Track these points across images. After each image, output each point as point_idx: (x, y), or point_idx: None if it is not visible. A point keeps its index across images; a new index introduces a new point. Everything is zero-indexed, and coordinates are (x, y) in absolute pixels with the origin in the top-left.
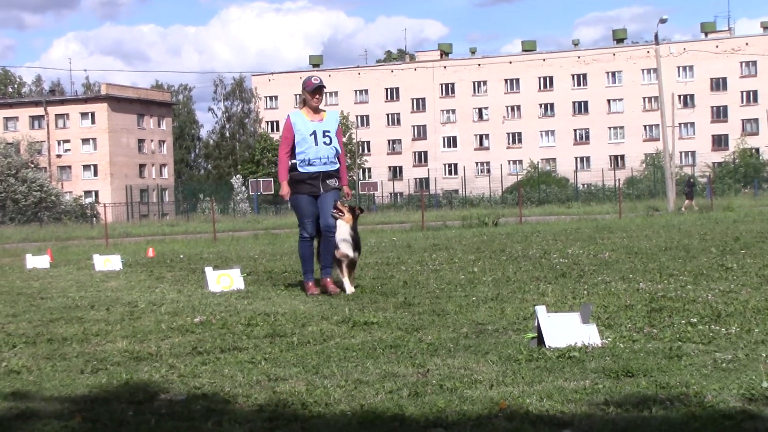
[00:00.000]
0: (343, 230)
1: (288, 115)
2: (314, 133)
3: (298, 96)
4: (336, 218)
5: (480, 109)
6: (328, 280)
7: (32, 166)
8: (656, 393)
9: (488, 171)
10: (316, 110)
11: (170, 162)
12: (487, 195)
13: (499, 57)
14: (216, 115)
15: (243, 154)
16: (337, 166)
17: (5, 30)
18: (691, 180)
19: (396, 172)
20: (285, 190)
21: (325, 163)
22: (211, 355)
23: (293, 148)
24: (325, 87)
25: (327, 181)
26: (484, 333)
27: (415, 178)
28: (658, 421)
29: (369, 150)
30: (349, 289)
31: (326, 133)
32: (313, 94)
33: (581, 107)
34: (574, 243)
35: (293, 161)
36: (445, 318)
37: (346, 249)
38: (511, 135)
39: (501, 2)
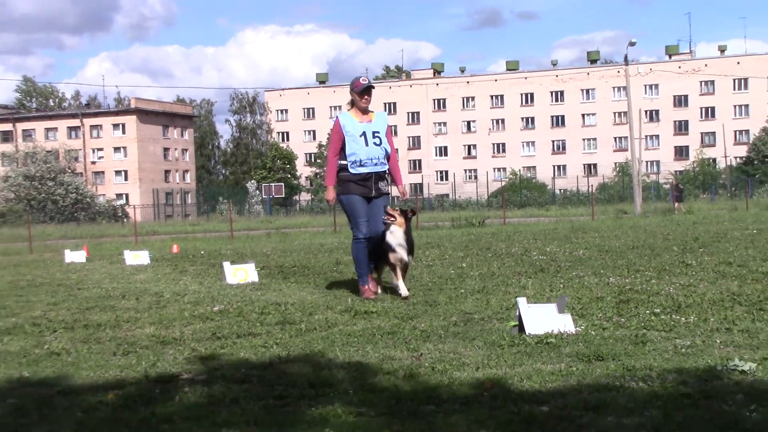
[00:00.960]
0: (398, 234)
1: (336, 117)
2: (364, 133)
3: (305, 109)
4: (388, 224)
5: (468, 122)
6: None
7: (69, 171)
8: (623, 375)
9: (475, 177)
10: (365, 111)
11: (192, 168)
12: (475, 199)
13: (486, 75)
14: (232, 126)
15: (256, 162)
16: (387, 167)
17: (47, 50)
18: (680, 186)
19: None
20: (331, 195)
21: (376, 164)
22: (228, 340)
23: (342, 150)
24: (374, 87)
25: (379, 184)
26: (471, 321)
27: (410, 184)
28: (625, 399)
29: None
30: (404, 291)
31: (376, 134)
32: (361, 95)
33: (558, 121)
34: (552, 242)
35: (343, 162)
36: (437, 308)
37: (401, 253)
38: (496, 145)
39: (487, 26)
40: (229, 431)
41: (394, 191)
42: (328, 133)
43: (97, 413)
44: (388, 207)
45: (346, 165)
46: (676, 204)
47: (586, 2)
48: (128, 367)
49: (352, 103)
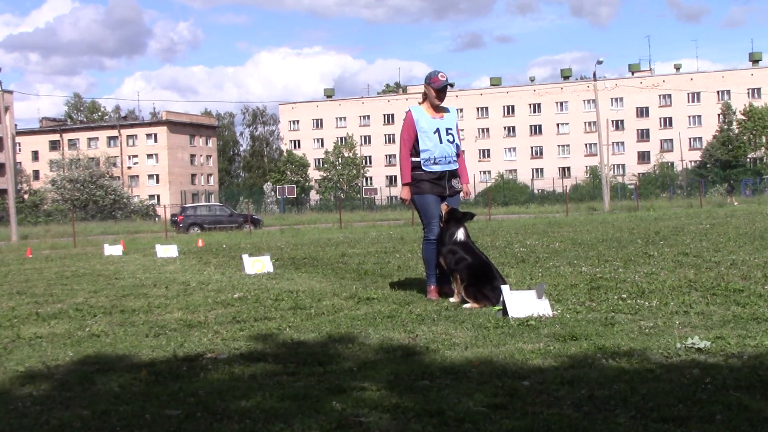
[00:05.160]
0: None
1: (409, 110)
2: (438, 130)
3: (314, 120)
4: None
5: None
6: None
7: (108, 175)
8: (595, 353)
9: None
10: (437, 107)
11: (215, 172)
12: (463, 198)
13: (472, 90)
14: (246, 138)
15: (271, 166)
16: (457, 165)
17: (90, 71)
18: (731, 181)
19: (392, 180)
20: (406, 194)
21: (449, 162)
22: (247, 323)
23: (414, 146)
24: (452, 85)
25: (452, 182)
26: (461, 306)
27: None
28: (596, 374)
29: (371, 163)
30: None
31: (449, 131)
32: (438, 93)
33: (536, 129)
34: (531, 236)
35: (415, 159)
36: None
37: None
38: (481, 151)
39: (470, 48)
40: (247, 403)
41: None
42: (337, 139)
43: (131, 388)
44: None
45: (419, 163)
46: (729, 198)
47: (557, 27)
48: (159, 347)
49: (424, 97)
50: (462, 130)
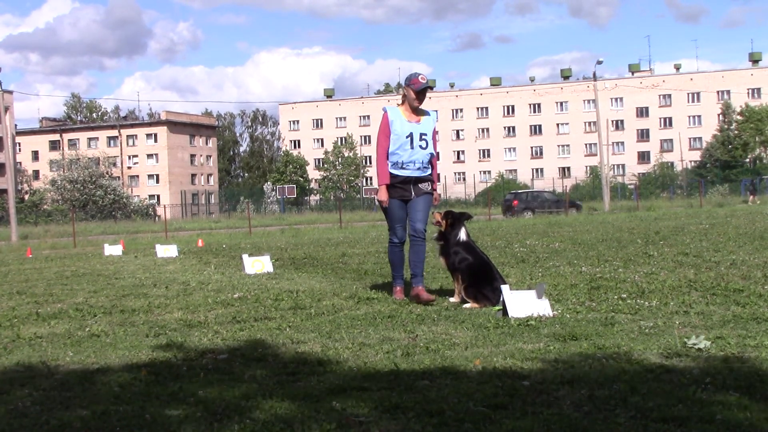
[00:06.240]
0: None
1: (385, 110)
2: (411, 135)
3: (314, 120)
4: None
5: (457, 131)
6: (420, 288)
7: (108, 175)
8: (595, 352)
9: (464, 179)
10: (416, 110)
11: (215, 172)
12: (463, 198)
13: (472, 90)
14: (244, 139)
15: (270, 167)
16: (430, 171)
17: (90, 71)
18: (754, 180)
19: None
20: (384, 196)
21: (418, 168)
22: (247, 323)
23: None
24: (431, 87)
25: (419, 185)
26: (460, 306)
27: None
28: (596, 374)
29: (371, 163)
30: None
31: (423, 137)
32: (418, 95)
33: (536, 129)
34: (531, 236)
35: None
36: (431, 294)
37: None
38: (481, 151)
39: (470, 48)
40: (247, 403)
41: None
42: (337, 139)
43: (131, 388)
44: (436, 212)
45: (387, 165)
46: (751, 197)
47: (556, 27)
48: (159, 347)
49: (404, 98)
50: (462, 130)
